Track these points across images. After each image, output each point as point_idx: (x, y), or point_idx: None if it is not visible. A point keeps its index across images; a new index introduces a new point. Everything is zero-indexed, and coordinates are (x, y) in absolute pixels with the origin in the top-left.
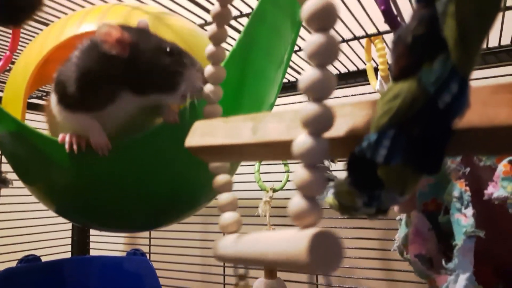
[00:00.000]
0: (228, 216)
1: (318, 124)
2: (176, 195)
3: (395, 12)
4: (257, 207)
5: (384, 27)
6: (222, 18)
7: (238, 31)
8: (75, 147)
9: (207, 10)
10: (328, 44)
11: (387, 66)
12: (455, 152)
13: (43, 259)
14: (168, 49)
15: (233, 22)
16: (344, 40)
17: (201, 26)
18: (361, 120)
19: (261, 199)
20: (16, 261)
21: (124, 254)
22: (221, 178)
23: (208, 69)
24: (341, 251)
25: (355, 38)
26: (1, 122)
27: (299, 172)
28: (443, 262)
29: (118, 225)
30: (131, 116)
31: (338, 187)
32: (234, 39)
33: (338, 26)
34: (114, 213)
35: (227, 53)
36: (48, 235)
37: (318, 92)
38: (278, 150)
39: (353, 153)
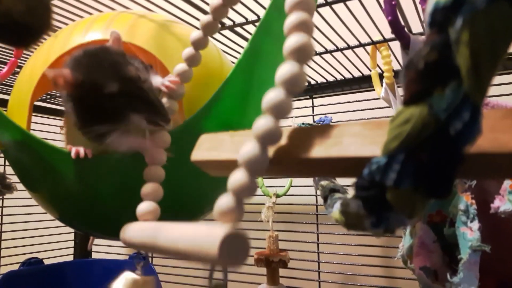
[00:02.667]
0: (145, 205)
1: (268, 137)
2: (179, 205)
3: (402, 23)
4: (260, 213)
5: (390, 34)
6: (210, 29)
7: (244, 38)
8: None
9: None
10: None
11: (392, 74)
12: (465, 176)
13: (46, 262)
14: (109, 90)
15: (238, 29)
16: (349, 47)
17: None
18: (370, 140)
19: (264, 204)
20: (19, 264)
21: (126, 257)
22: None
23: (179, 67)
24: (247, 249)
25: (361, 45)
26: (6, 130)
27: (237, 175)
28: (448, 276)
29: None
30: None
31: (345, 206)
32: (241, 47)
33: (343, 32)
34: (117, 222)
35: (234, 63)
36: (50, 238)
37: (276, 111)
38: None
39: (362, 175)
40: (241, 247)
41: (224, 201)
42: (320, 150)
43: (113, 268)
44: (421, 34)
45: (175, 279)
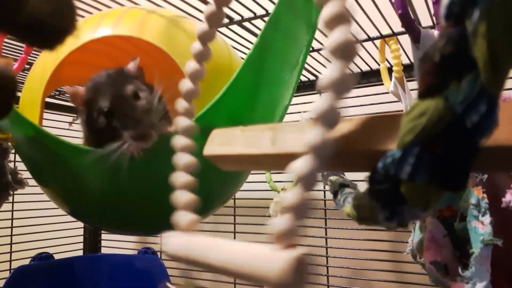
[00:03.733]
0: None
1: (321, 151)
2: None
3: (412, 16)
4: (268, 207)
5: (399, 28)
6: (215, 20)
7: (252, 33)
8: None
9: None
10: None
11: (401, 68)
12: (480, 170)
13: (56, 257)
14: (105, 110)
15: (247, 24)
16: (358, 41)
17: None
18: (383, 133)
19: (272, 199)
20: (29, 259)
21: (135, 252)
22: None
23: (191, 66)
24: (308, 274)
25: (370, 39)
26: (19, 126)
27: (293, 192)
28: (460, 270)
29: (131, 229)
30: None
31: (358, 200)
32: (249, 41)
33: (352, 26)
34: (127, 218)
35: (243, 58)
36: (60, 233)
37: (327, 120)
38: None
39: (376, 168)
40: (303, 271)
41: (282, 222)
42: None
43: (122, 263)
44: (431, 27)
45: (185, 273)
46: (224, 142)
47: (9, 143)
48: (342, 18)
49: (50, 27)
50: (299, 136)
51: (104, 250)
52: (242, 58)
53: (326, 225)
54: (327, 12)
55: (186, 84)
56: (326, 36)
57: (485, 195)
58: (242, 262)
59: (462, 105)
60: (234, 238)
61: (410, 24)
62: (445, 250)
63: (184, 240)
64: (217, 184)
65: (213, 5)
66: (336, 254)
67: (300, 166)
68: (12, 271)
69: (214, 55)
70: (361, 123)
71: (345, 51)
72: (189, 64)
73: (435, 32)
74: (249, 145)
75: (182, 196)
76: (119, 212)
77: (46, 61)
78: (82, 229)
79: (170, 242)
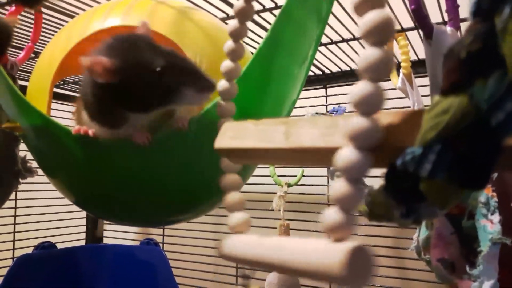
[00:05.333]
0: (238, 216)
1: (365, 139)
2: (193, 194)
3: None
4: (271, 201)
5: (407, 24)
6: (245, 15)
7: (260, 26)
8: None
9: (229, 4)
10: (383, 59)
11: (410, 64)
12: (501, 168)
13: (58, 246)
14: (158, 68)
15: (255, 17)
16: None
17: (223, 20)
18: (400, 130)
19: (275, 193)
20: (32, 248)
21: (137, 243)
22: (230, 177)
23: (226, 64)
24: (372, 266)
25: None
26: (27, 115)
27: (339, 185)
28: (467, 268)
29: (135, 220)
30: (150, 121)
31: (373, 197)
32: (257, 35)
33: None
34: (132, 209)
35: (252, 51)
36: (63, 223)
37: (368, 106)
38: (311, 157)
39: (394, 165)
40: (366, 264)
41: (332, 214)
42: None
43: (125, 254)
44: (441, 23)
45: (187, 265)
46: (236, 135)
47: (17, 132)
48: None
49: None
50: (313, 131)
51: (106, 241)
52: (252, 52)
53: None
54: None
55: (222, 84)
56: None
57: (494, 194)
58: (300, 259)
59: (487, 102)
60: None
61: (423, 20)
62: (452, 248)
63: (239, 240)
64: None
65: (242, 1)
66: None
67: (343, 156)
68: (15, 259)
69: (223, 44)
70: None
71: (381, 33)
72: (224, 64)
73: (448, 29)
74: (262, 139)
75: (233, 197)
76: (126, 202)
77: (54, 50)
78: (85, 219)
79: (227, 245)
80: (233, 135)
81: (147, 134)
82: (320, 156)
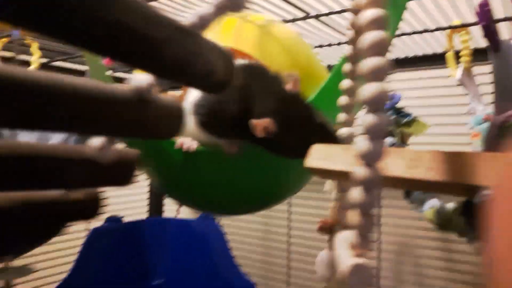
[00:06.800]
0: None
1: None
2: (266, 193)
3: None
4: (324, 183)
5: (468, 19)
6: (356, 58)
7: (327, 25)
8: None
9: (297, 7)
10: None
11: (471, 58)
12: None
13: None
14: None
15: (324, 18)
16: (426, 30)
17: (290, 21)
18: (480, 172)
19: None
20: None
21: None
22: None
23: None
24: (371, 279)
25: (438, 29)
26: None
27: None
28: None
29: (216, 211)
30: None
31: (447, 214)
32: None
33: (421, 13)
34: (217, 203)
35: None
36: (127, 198)
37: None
38: (395, 184)
39: (471, 202)
40: (365, 276)
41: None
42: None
43: (184, 227)
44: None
45: (239, 238)
46: (326, 157)
47: None
48: None
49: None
50: (400, 162)
51: (166, 214)
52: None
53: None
54: None
55: (342, 100)
56: None
57: None
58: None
59: None
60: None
61: (492, 35)
62: None
63: None
64: (292, 182)
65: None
66: (387, 231)
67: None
68: (90, 231)
69: (300, 57)
70: (459, 158)
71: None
72: (343, 82)
73: None
74: (350, 164)
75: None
76: (211, 199)
77: None
78: (148, 193)
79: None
80: (321, 156)
81: (236, 145)
82: (406, 185)
